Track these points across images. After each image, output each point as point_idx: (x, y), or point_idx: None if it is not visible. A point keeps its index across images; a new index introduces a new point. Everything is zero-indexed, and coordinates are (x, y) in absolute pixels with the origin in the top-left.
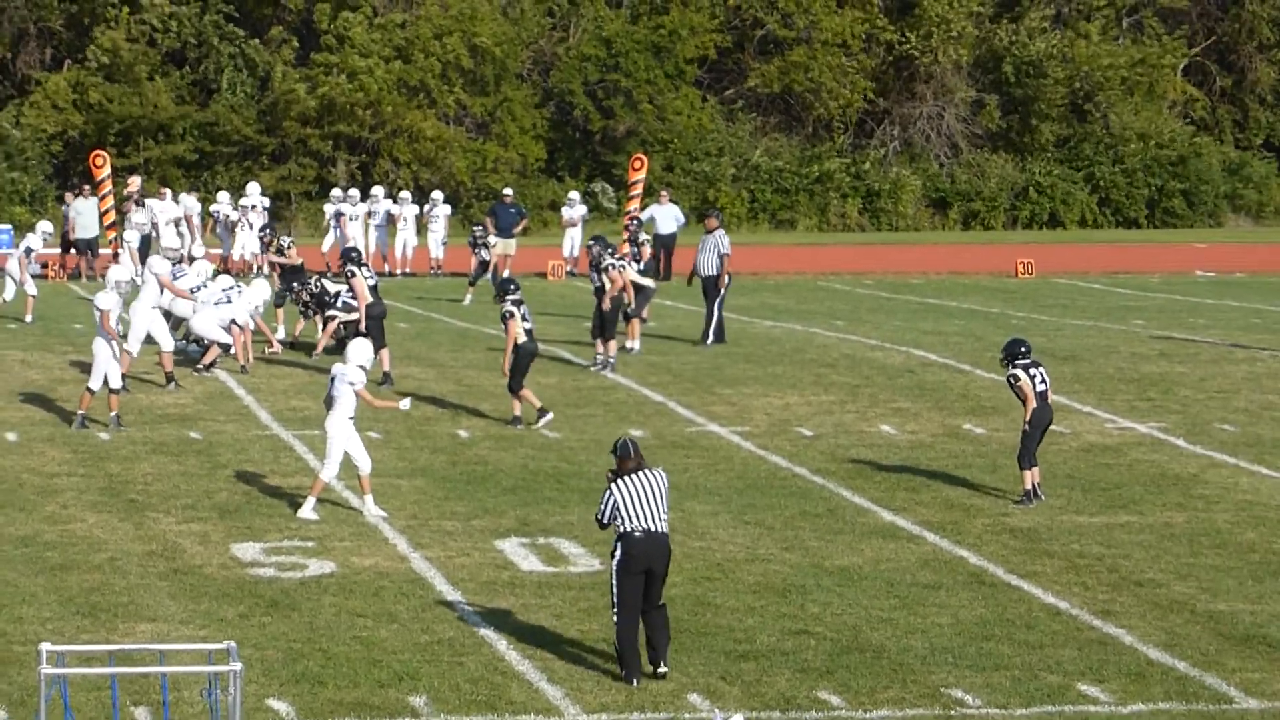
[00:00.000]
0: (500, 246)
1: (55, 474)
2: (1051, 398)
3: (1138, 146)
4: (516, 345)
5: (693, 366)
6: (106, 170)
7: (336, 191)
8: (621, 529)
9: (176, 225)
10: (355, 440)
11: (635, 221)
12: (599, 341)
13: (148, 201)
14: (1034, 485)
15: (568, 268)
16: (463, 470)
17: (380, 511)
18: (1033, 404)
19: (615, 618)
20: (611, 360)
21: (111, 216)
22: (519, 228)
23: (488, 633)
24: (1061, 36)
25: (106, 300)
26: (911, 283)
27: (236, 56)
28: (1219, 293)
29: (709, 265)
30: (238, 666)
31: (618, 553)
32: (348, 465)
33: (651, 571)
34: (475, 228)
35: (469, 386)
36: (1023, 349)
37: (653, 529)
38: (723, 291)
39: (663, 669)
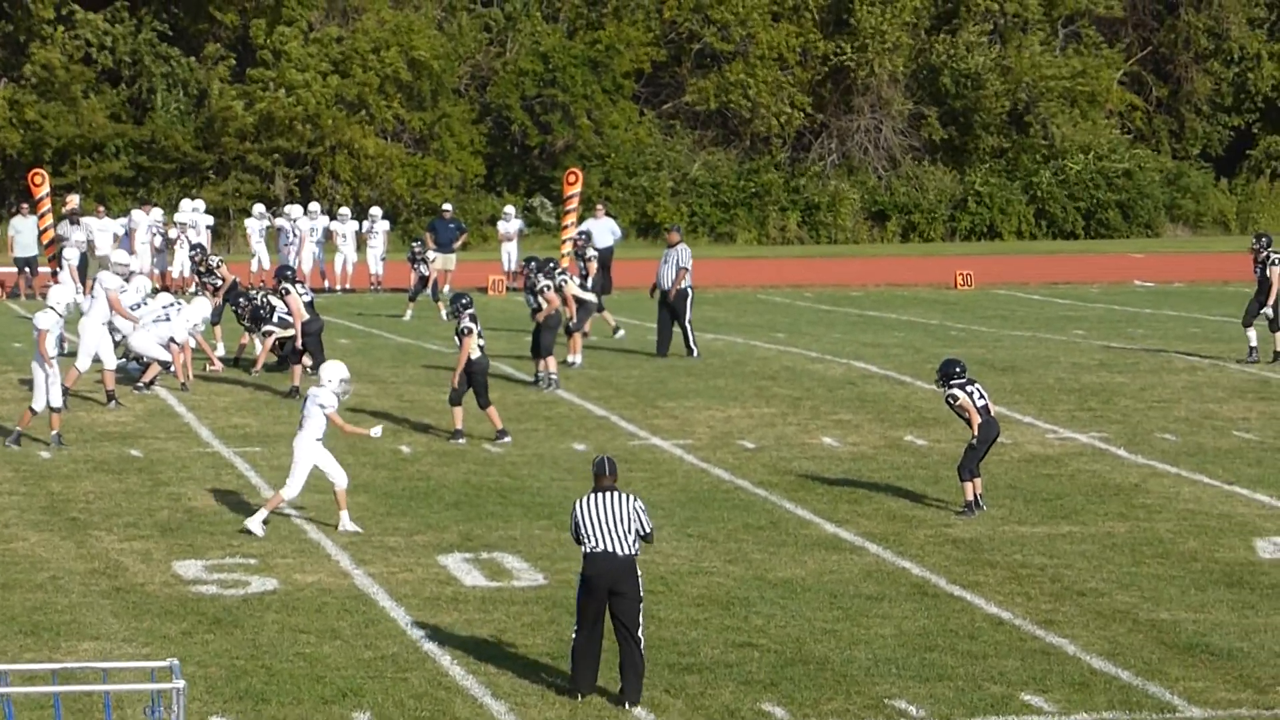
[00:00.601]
0: (440, 261)
1: None
2: (993, 410)
3: (1079, 159)
4: (470, 361)
5: (635, 380)
6: (45, 189)
7: (294, 209)
8: (584, 548)
9: (120, 241)
10: (326, 457)
11: (583, 235)
12: (538, 360)
13: (84, 220)
14: (976, 496)
15: (507, 283)
16: (405, 486)
17: (355, 527)
18: (978, 419)
19: (573, 633)
20: (553, 377)
21: (50, 235)
22: (459, 243)
23: (431, 648)
24: (999, 49)
25: (45, 320)
26: (851, 295)
27: (169, 75)
28: (1158, 302)
29: (668, 278)
30: (181, 684)
31: (581, 571)
32: (319, 483)
33: (616, 593)
34: (415, 243)
35: (410, 402)
36: (957, 369)
37: (612, 550)
38: (687, 303)
39: (630, 708)
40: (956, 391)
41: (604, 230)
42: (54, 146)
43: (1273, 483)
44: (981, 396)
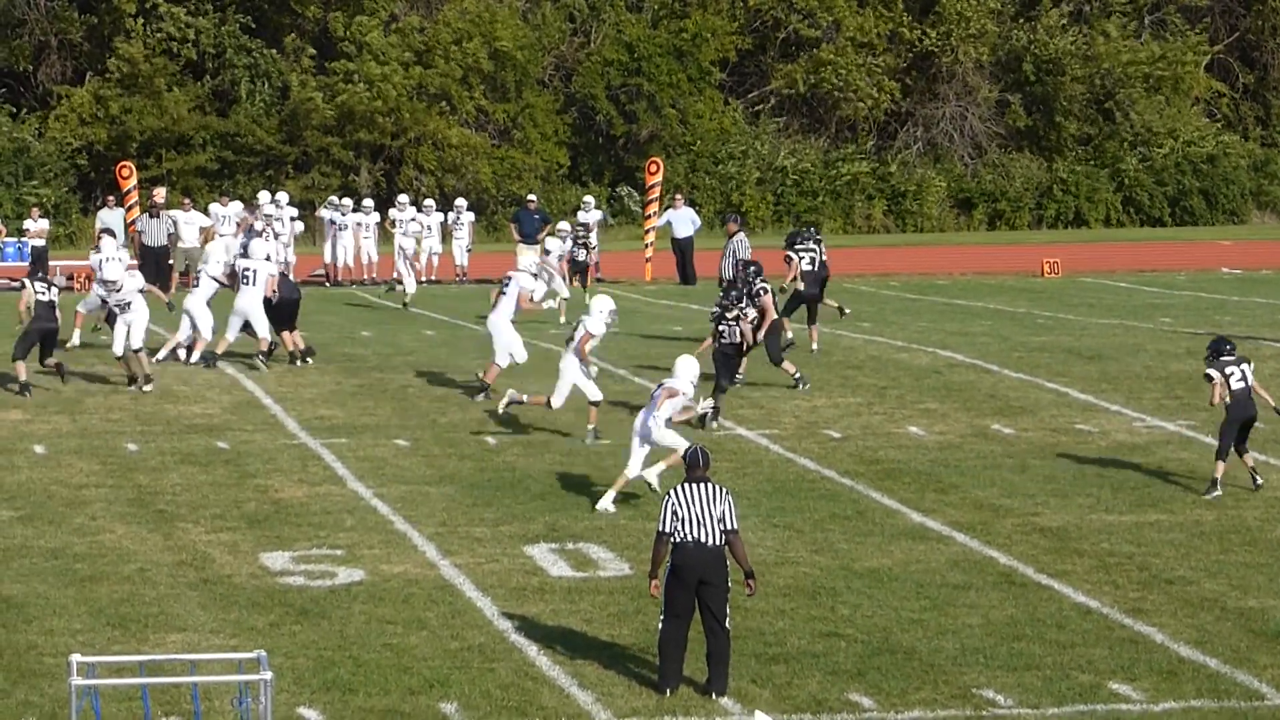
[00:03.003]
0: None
1: (83, 485)
2: (1085, 397)
3: (1166, 145)
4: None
5: None
6: (133, 181)
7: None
8: (674, 538)
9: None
10: (582, 378)
11: (583, 226)
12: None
13: (170, 213)
14: (1217, 477)
15: (594, 274)
16: (491, 477)
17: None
18: (1218, 398)
19: (660, 623)
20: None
21: (136, 228)
22: (544, 234)
23: (518, 639)
24: (1080, 34)
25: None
26: (937, 283)
27: (252, 67)
28: (1245, 289)
29: (728, 269)
30: (268, 675)
31: (670, 561)
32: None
33: (705, 583)
34: (576, 229)
35: (494, 394)
36: (1227, 346)
37: (704, 540)
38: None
39: (718, 698)
40: (1212, 372)
41: (684, 220)
42: (139, 140)
43: None
44: (1242, 379)
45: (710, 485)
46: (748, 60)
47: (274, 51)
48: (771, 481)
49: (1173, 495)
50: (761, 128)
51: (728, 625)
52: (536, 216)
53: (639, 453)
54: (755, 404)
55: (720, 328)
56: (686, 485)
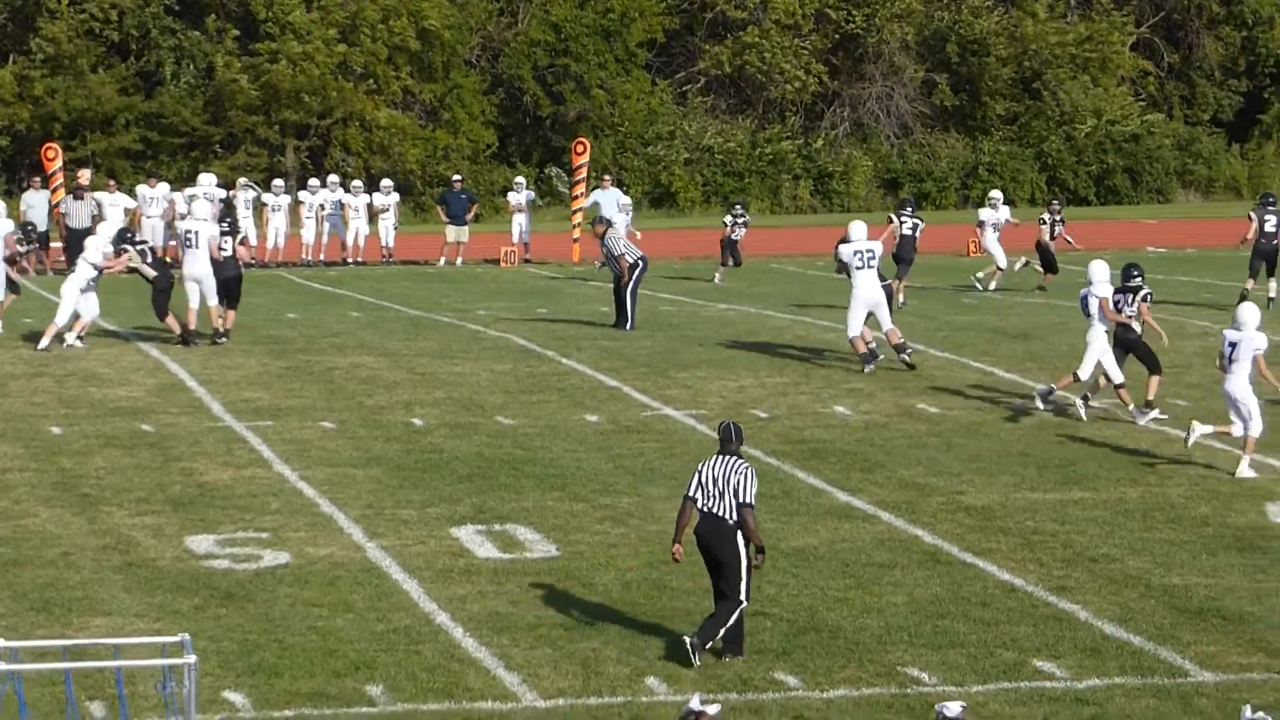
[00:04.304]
0: (453, 233)
1: (6, 469)
2: (1011, 376)
3: (1091, 124)
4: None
5: (647, 351)
6: (58, 163)
7: (314, 182)
8: (697, 505)
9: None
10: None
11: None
12: None
13: (93, 195)
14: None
15: (519, 254)
16: (418, 459)
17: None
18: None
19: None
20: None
21: (61, 210)
22: (470, 214)
23: (444, 620)
24: (1006, 15)
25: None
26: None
27: (177, 48)
28: (1170, 268)
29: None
30: (192, 659)
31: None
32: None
33: (712, 553)
34: (736, 209)
35: (422, 375)
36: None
37: (719, 513)
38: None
39: (693, 656)
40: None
41: (611, 201)
42: (63, 122)
43: None
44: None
45: (736, 460)
46: (675, 41)
47: (197, 33)
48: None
49: (1097, 473)
50: (689, 108)
51: (741, 598)
52: (463, 196)
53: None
54: (682, 384)
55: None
56: (716, 457)
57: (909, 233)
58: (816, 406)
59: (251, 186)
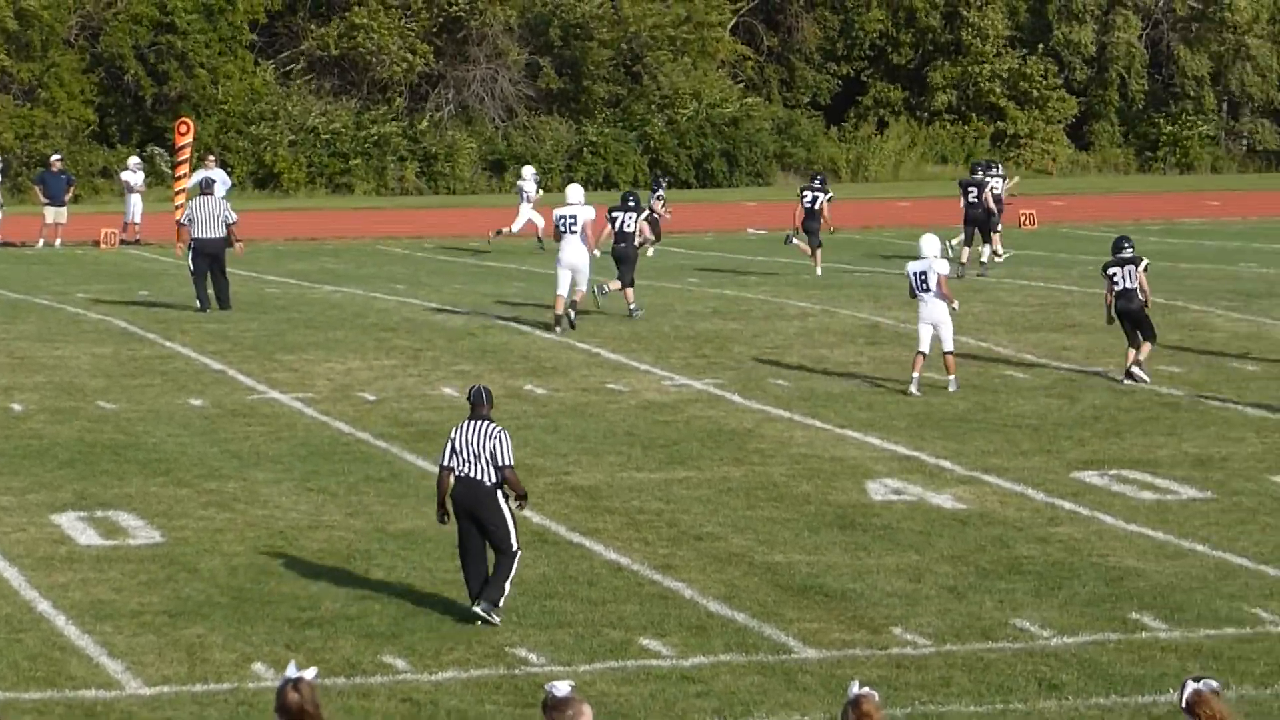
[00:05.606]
0: (52, 214)
1: None
2: (616, 357)
3: (692, 107)
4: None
5: (253, 334)
6: None
7: None
8: (454, 471)
9: None
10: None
11: None
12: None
13: None
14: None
15: (126, 235)
16: (17, 444)
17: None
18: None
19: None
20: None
21: None
22: (69, 194)
23: (46, 609)
24: None
25: None
26: (470, 245)
27: None
28: (770, 250)
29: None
30: None
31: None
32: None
33: (479, 519)
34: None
35: (21, 359)
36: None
37: (476, 477)
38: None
39: (482, 615)
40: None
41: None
42: None
43: (883, 425)
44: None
45: (489, 424)
46: (278, 21)
47: None
48: (306, 445)
49: (700, 453)
50: (292, 89)
51: (514, 549)
52: (62, 177)
53: None
54: (288, 367)
55: None
56: (469, 422)
57: (809, 206)
58: (425, 389)
59: None
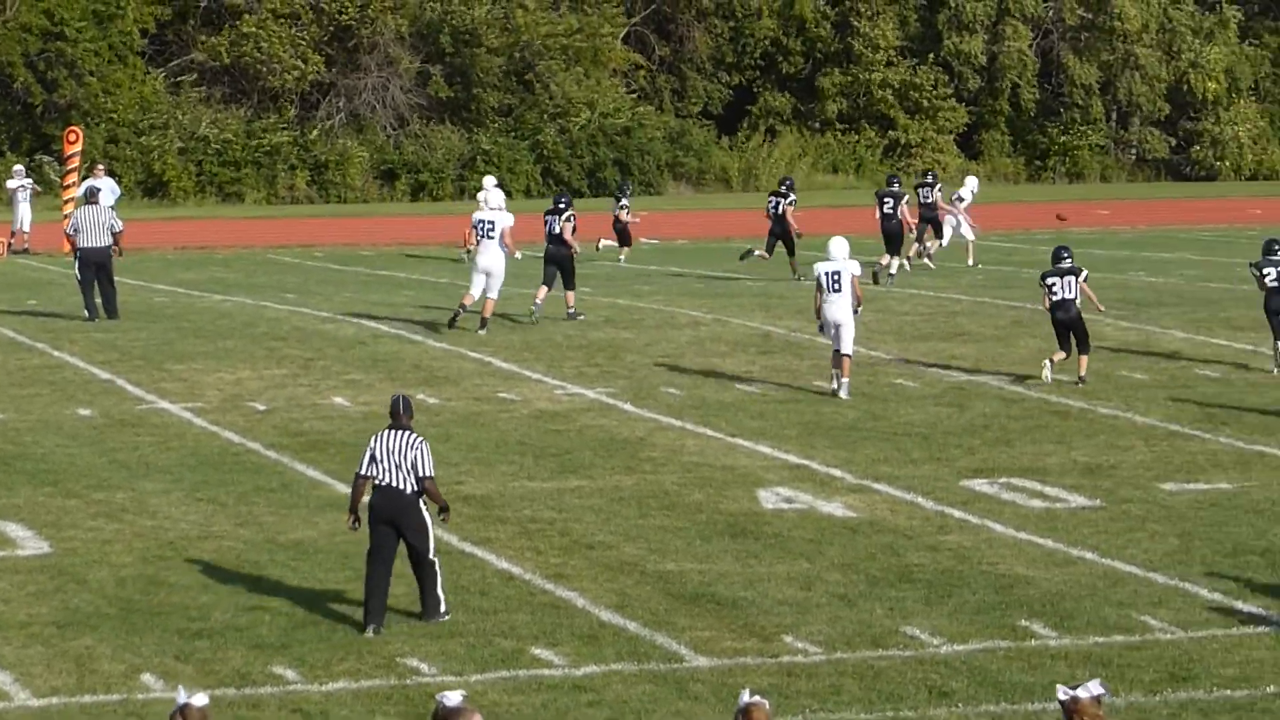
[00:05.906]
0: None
1: None
2: (508, 366)
3: (584, 116)
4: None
5: (142, 343)
6: None
7: None
8: (373, 480)
9: None
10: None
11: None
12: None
13: None
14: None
15: (22, 244)
16: None
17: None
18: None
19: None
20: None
21: None
22: None
23: None
24: (497, 3)
25: None
26: (361, 254)
27: None
28: (663, 259)
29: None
30: None
31: (369, 502)
32: None
33: (394, 524)
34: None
35: None
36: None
37: (397, 485)
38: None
39: (427, 622)
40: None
41: (105, 190)
42: None
43: (774, 434)
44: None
45: (409, 434)
46: (168, 29)
47: None
48: (195, 455)
49: (593, 461)
50: (182, 98)
51: (432, 558)
52: None
53: None
54: (178, 377)
55: None
56: (388, 432)
57: (773, 210)
58: (315, 398)
59: None
